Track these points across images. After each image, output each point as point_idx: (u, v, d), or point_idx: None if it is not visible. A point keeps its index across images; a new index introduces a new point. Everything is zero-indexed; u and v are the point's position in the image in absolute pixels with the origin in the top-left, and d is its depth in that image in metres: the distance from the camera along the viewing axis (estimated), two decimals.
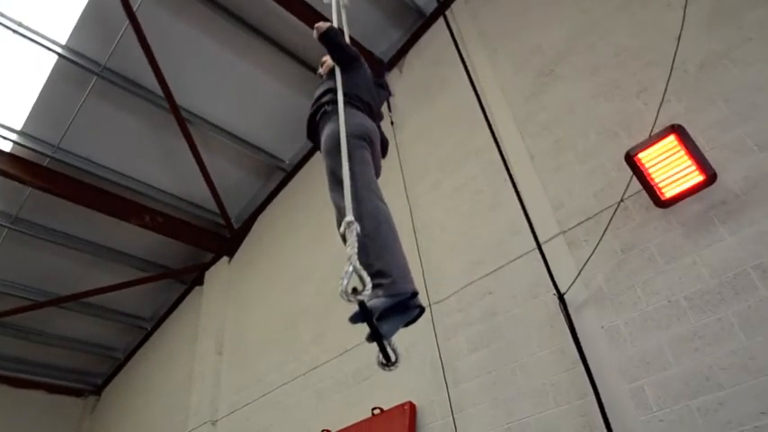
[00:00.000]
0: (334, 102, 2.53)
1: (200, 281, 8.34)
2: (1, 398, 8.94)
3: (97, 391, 10.12)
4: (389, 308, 1.87)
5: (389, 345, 1.85)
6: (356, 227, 1.75)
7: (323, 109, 2.66)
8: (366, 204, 2.12)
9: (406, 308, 1.96)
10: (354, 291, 1.60)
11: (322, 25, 2.83)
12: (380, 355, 1.85)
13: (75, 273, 8.22)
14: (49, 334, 9.00)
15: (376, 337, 1.80)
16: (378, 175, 2.49)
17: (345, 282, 1.56)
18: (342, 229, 1.76)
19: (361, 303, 1.66)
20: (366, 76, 2.86)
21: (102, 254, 8.05)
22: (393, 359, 1.85)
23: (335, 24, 3.10)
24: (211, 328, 7.28)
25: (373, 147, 2.50)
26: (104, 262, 8.18)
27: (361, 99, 2.67)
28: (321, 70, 3.18)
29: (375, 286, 1.79)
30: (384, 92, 3.14)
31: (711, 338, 2.80)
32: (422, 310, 2.03)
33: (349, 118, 2.36)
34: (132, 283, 8.04)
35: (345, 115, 2.33)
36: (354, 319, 1.79)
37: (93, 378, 10.14)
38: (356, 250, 1.66)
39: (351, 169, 2.06)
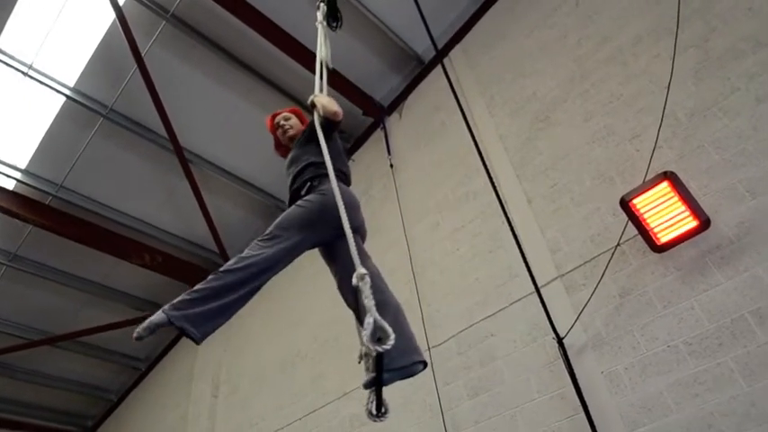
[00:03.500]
0: (320, 176, 2.58)
1: None
2: None
3: None
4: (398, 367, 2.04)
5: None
6: (369, 279, 1.71)
7: (308, 184, 2.62)
8: (370, 265, 2.22)
9: (413, 366, 2.13)
10: (379, 340, 1.60)
11: (339, 111, 2.69)
12: (372, 405, 1.91)
13: (71, 311, 8.16)
14: (40, 373, 8.85)
15: (377, 383, 1.85)
16: (363, 240, 2.63)
17: (369, 332, 1.56)
18: (355, 281, 1.72)
19: (380, 355, 1.65)
20: (339, 143, 2.86)
21: (100, 292, 8.01)
22: (383, 410, 1.91)
23: (323, 57, 3.07)
24: (207, 370, 7.17)
25: (359, 217, 2.61)
26: (101, 301, 8.13)
27: (342, 170, 2.71)
28: (283, 138, 3.08)
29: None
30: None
31: (712, 384, 2.78)
32: (425, 366, 2.17)
33: (342, 190, 2.34)
34: (129, 322, 7.95)
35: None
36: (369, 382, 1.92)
37: (83, 420, 9.89)
38: (374, 302, 1.63)
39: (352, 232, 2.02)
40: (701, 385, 2.81)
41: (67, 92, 5.94)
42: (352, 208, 2.45)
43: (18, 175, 6.47)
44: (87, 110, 6.09)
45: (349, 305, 2.44)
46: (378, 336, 1.60)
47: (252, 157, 7.02)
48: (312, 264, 6.32)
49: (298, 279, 6.53)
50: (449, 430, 3.82)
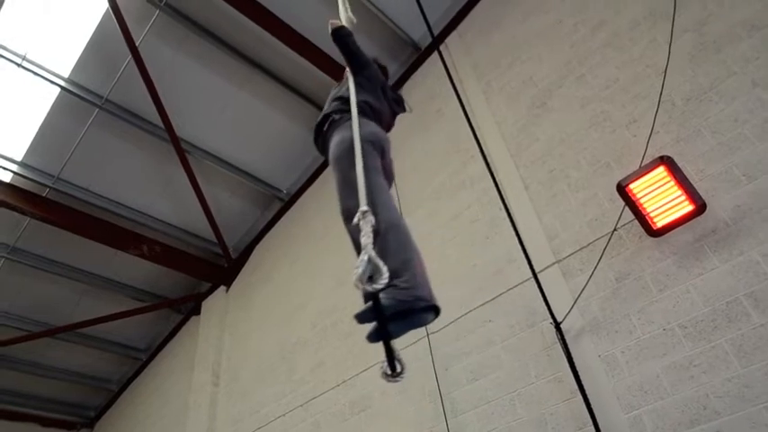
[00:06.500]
0: (342, 111, 2.47)
1: (196, 311, 8.30)
2: None
3: (90, 423, 9.93)
4: (401, 312, 1.67)
5: (395, 351, 1.61)
6: (371, 218, 1.58)
7: (330, 118, 2.51)
8: (381, 200, 1.96)
9: (420, 313, 1.77)
10: (371, 279, 1.42)
11: (335, 22, 2.75)
12: (385, 364, 1.61)
13: (71, 303, 8.18)
14: (42, 365, 8.89)
15: (383, 336, 1.59)
16: (390, 183, 2.40)
17: (361, 270, 1.40)
18: (356, 219, 1.59)
19: (375, 295, 1.46)
20: (375, 84, 2.77)
21: (99, 283, 8.03)
22: (399, 369, 1.60)
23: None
24: (208, 359, 7.21)
25: (385, 156, 2.40)
26: (101, 292, 8.15)
27: (371, 107, 2.57)
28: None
29: (389, 286, 1.56)
30: (398, 106, 3.08)
31: (707, 366, 2.82)
32: (437, 313, 1.84)
33: (361, 126, 2.19)
34: (128, 313, 7.99)
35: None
36: (362, 316, 1.60)
37: (86, 410, 9.96)
38: (372, 239, 1.51)
39: (365, 166, 1.88)
40: (696, 367, 2.85)
41: (62, 83, 5.92)
42: (369, 141, 2.23)
43: (15, 167, 6.45)
44: (82, 101, 6.07)
45: None
46: (369, 274, 1.42)
47: (249, 146, 7.01)
48: (312, 249, 6.38)
49: (297, 265, 6.56)
50: (448, 414, 3.86)
